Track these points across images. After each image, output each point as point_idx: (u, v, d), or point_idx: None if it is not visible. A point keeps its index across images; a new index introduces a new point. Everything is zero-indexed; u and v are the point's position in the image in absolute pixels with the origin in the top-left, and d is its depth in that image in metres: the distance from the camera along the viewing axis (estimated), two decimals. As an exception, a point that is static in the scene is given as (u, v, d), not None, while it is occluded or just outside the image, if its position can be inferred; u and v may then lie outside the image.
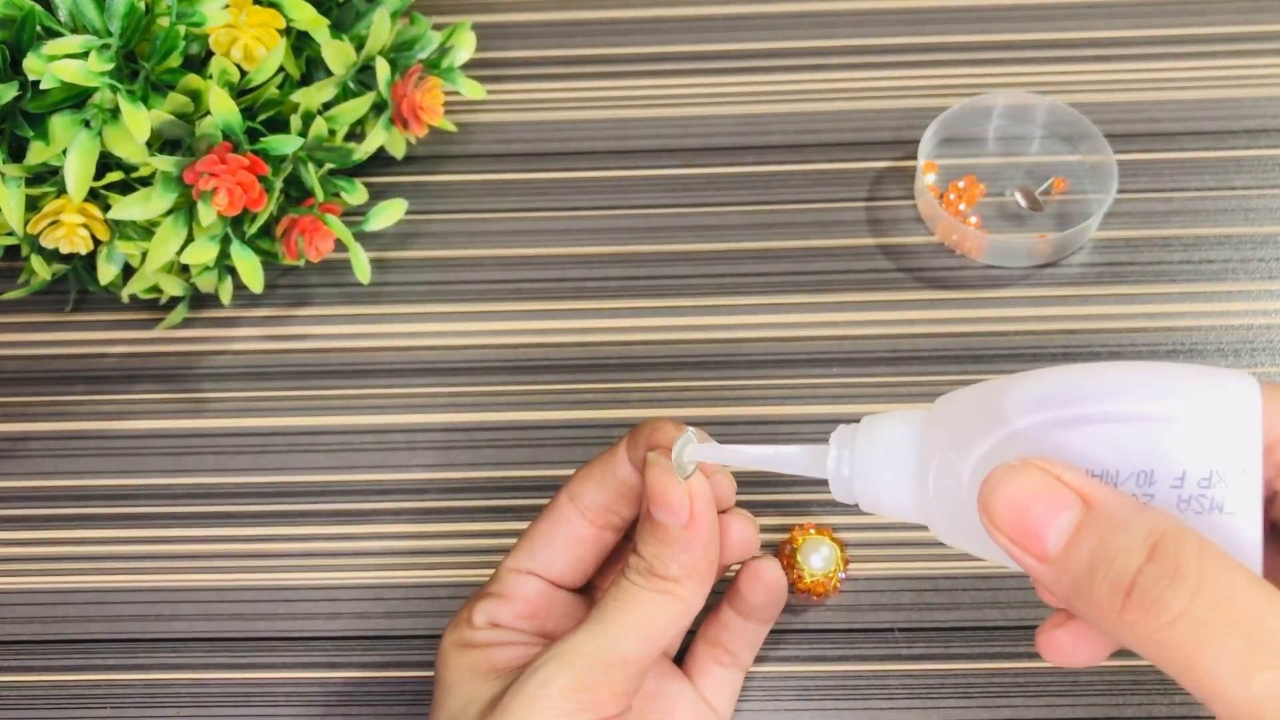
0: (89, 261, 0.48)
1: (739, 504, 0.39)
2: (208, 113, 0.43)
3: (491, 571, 0.39)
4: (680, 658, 0.42)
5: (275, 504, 0.46)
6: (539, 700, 0.33)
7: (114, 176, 0.44)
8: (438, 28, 0.51)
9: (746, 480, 0.46)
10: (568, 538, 0.39)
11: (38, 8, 0.41)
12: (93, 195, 0.45)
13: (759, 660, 0.43)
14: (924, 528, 0.32)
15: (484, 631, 0.38)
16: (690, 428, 0.36)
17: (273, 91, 0.46)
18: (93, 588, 0.45)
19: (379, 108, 0.49)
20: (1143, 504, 0.27)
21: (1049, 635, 0.30)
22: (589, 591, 0.41)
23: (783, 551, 0.43)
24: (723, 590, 0.41)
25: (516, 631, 0.38)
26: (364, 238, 0.50)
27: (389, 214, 0.50)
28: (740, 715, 0.42)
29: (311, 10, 0.46)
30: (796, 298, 0.49)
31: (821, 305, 0.49)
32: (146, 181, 0.45)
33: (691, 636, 0.42)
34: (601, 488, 0.38)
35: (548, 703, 0.33)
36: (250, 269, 0.45)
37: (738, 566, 0.41)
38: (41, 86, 0.40)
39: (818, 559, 0.43)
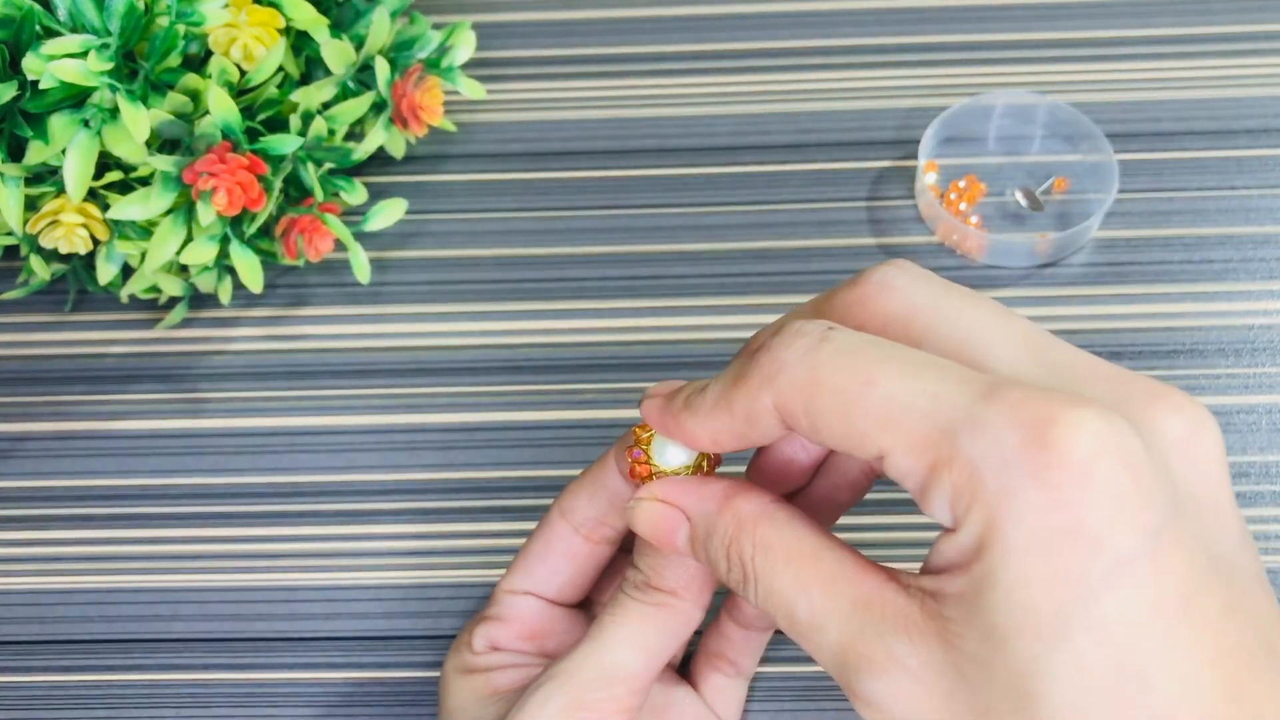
0: (88, 261, 0.48)
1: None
2: (207, 112, 0.43)
3: (491, 572, 0.39)
4: (685, 667, 0.41)
5: (275, 504, 0.46)
6: None
7: (113, 176, 0.44)
8: (437, 27, 0.51)
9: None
10: (562, 554, 0.38)
11: (37, 7, 0.41)
12: (92, 195, 0.45)
13: (761, 661, 0.43)
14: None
15: (484, 656, 0.38)
16: None
17: (272, 91, 0.46)
18: (92, 588, 0.45)
19: (379, 107, 0.49)
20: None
21: None
22: (588, 607, 0.41)
23: None
24: (721, 601, 0.41)
25: (517, 653, 0.38)
26: (363, 237, 0.50)
27: (389, 214, 0.50)
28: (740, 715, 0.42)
29: (311, 10, 0.46)
30: (797, 298, 0.49)
31: (822, 305, 0.49)
32: (146, 181, 0.45)
33: (694, 647, 0.42)
34: (593, 501, 0.38)
35: None
36: (250, 269, 0.45)
37: None
38: (41, 86, 0.40)
39: None
